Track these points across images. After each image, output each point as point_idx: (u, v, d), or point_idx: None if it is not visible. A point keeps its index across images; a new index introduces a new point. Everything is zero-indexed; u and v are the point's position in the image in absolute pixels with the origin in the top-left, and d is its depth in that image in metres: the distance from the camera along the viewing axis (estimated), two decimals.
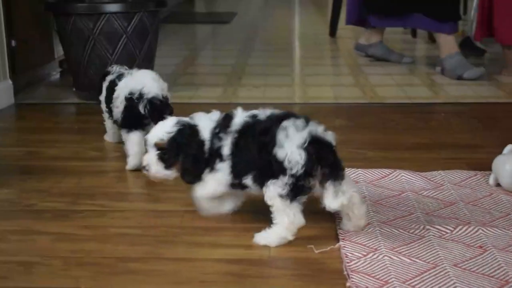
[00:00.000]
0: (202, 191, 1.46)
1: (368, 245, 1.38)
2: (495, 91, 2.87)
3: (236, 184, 1.43)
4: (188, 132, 1.44)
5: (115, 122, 2.01)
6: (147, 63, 2.76)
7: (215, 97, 2.79)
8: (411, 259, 1.32)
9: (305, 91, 2.95)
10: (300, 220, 1.38)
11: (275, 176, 1.35)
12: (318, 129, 1.39)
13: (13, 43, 2.75)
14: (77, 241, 1.46)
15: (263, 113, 1.47)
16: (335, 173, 1.36)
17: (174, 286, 1.27)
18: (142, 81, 1.92)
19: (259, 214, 1.58)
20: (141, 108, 1.87)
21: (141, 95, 1.88)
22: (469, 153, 2.01)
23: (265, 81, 3.12)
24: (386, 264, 1.30)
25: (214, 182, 1.44)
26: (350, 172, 1.79)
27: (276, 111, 1.46)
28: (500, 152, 1.75)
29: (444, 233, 1.44)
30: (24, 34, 2.85)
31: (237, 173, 1.41)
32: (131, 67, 2.59)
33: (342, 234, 1.44)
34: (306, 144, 1.34)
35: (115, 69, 2.08)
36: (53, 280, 1.29)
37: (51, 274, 1.31)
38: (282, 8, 6.67)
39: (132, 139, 1.88)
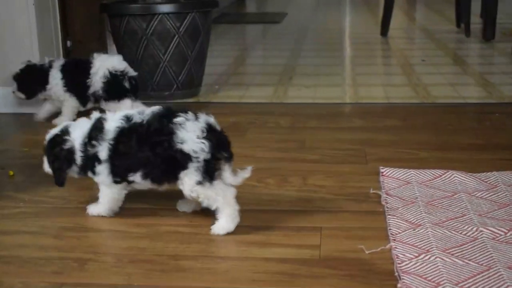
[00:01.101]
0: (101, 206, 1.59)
1: (420, 246, 1.37)
2: None
3: (119, 181, 1.53)
4: (57, 141, 1.55)
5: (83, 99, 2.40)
6: (199, 62, 2.78)
7: (265, 97, 2.80)
8: (463, 261, 1.30)
9: (356, 91, 2.93)
10: (230, 190, 1.49)
11: (184, 167, 1.45)
12: (209, 118, 1.51)
13: (69, 43, 2.80)
14: (129, 239, 1.48)
15: (138, 114, 1.52)
16: (230, 155, 1.49)
17: (225, 284, 1.28)
18: (122, 62, 2.38)
19: (309, 214, 1.59)
20: (125, 83, 2.35)
21: (124, 73, 2.35)
22: None
23: (316, 81, 3.11)
24: (438, 266, 1.28)
25: (105, 189, 1.56)
26: (402, 173, 1.77)
27: (155, 109, 1.53)
28: None
29: (498, 235, 1.41)
30: (79, 35, 2.91)
31: (120, 172, 1.52)
32: (183, 67, 2.67)
33: (393, 235, 1.43)
34: (206, 133, 1.46)
35: (45, 60, 2.44)
36: (106, 276, 1.31)
37: (104, 270, 1.34)
38: (333, 8, 6.64)
39: (125, 104, 2.31)
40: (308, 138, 2.19)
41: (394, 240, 1.40)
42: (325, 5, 6.97)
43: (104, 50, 3.20)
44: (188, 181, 1.47)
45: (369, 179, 1.78)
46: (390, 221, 1.49)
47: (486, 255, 1.33)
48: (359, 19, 5.84)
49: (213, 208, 1.49)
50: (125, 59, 2.77)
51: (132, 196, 1.70)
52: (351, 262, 1.34)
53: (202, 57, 2.81)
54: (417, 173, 1.77)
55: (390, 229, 1.46)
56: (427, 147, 2.07)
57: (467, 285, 1.22)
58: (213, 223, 1.52)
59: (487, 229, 1.43)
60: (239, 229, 1.50)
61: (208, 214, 1.60)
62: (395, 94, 2.83)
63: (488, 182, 1.71)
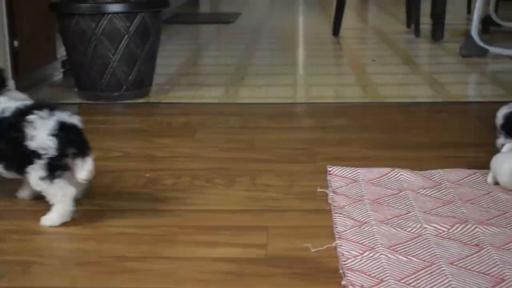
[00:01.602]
0: None
1: (365, 243, 1.39)
2: (496, 90, 2.87)
3: None
4: None
5: None
6: (149, 63, 2.77)
7: (216, 97, 2.80)
8: (407, 258, 1.32)
9: (307, 91, 2.95)
10: (70, 190, 1.54)
11: (31, 162, 1.52)
12: (64, 115, 1.55)
13: (16, 43, 2.76)
14: (76, 241, 1.47)
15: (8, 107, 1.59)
16: (82, 151, 1.54)
17: (172, 285, 1.28)
18: None
19: (256, 213, 1.59)
20: None
21: None
22: (469, 152, 2.01)
23: (268, 81, 3.12)
24: (382, 263, 1.30)
25: None
26: (349, 171, 1.79)
27: (19, 105, 1.59)
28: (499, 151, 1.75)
29: (441, 231, 1.44)
30: (27, 34, 2.86)
31: None
32: (133, 67, 2.63)
33: (339, 233, 1.44)
34: (55, 131, 1.51)
35: None
36: (50, 279, 1.30)
37: (48, 273, 1.32)
38: (287, 9, 6.68)
39: None
40: (258, 138, 2.20)
41: (340, 238, 1.42)
42: (279, 5, 7.00)
43: (52, 50, 3.16)
44: (33, 176, 1.53)
45: (317, 178, 1.79)
46: (336, 219, 1.51)
47: (429, 251, 1.35)
48: (312, 19, 5.88)
49: (51, 203, 1.54)
50: (73, 59, 2.76)
51: (79, 198, 1.69)
52: (297, 260, 1.35)
53: (152, 57, 2.80)
54: (364, 172, 1.80)
55: (336, 227, 1.47)
56: (375, 145, 2.10)
57: (409, 281, 1.24)
58: (161, 224, 1.52)
59: (431, 225, 1.46)
60: (187, 230, 1.50)
61: (157, 215, 1.59)
62: (345, 94, 2.86)
63: (433, 179, 1.75)
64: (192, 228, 1.51)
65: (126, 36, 2.65)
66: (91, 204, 1.65)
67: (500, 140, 1.83)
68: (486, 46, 3.57)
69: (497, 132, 1.84)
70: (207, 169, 1.90)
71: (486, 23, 4.40)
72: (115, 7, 2.63)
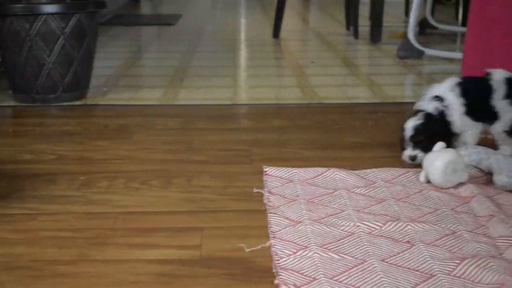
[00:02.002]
0: None
1: (298, 242, 1.40)
2: None
3: None
4: None
5: None
6: (85, 64, 2.73)
7: (155, 99, 2.78)
8: (340, 255, 1.34)
9: (247, 92, 2.96)
10: None
11: None
12: None
13: None
14: (5, 245, 1.43)
15: None
16: None
17: None
18: None
19: (192, 214, 1.59)
20: None
21: None
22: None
23: (208, 82, 3.12)
24: (315, 261, 1.32)
25: None
26: (285, 172, 1.81)
27: None
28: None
29: (373, 229, 1.46)
30: None
31: None
32: (69, 69, 2.59)
33: (273, 232, 1.45)
34: None
35: None
36: None
37: None
38: (228, 11, 6.68)
39: None
40: (196, 140, 2.20)
41: (274, 237, 1.43)
42: (221, 7, 7.00)
43: None
44: None
45: (253, 179, 1.80)
46: (271, 219, 1.52)
47: (362, 249, 1.37)
48: (254, 21, 5.90)
49: None
50: (7, 61, 2.70)
51: (10, 201, 1.66)
52: (231, 260, 1.36)
53: (89, 58, 2.77)
54: (300, 172, 1.81)
55: (270, 227, 1.48)
56: (312, 146, 2.12)
57: (341, 278, 1.25)
58: (94, 226, 1.50)
59: (364, 224, 1.48)
60: (120, 232, 1.49)
61: (91, 218, 1.58)
62: (284, 95, 2.88)
63: (367, 178, 1.77)
64: (125, 230, 1.50)
65: (62, 37, 2.61)
66: (22, 207, 1.62)
67: (408, 151, 1.87)
68: (422, 48, 3.64)
69: (405, 144, 1.89)
70: (143, 171, 1.89)
71: (423, 25, 4.49)
72: (50, 8, 2.59)
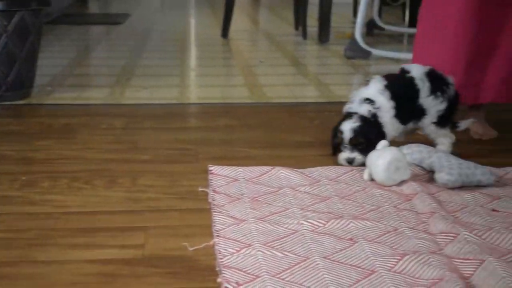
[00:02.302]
0: None
1: (242, 241, 1.40)
2: None
3: None
4: None
5: None
6: (29, 63, 2.69)
7: (101, 98, 2.75)
8: (283, 253, 1.35)
9: (194, 92, 2.96)
10: None
11: None
12: None
13: None
14: None
15: None
16: None
17: None
18: None
19: (136, 214, 1.58)
20: None
21: None
22: None
23: (155, 82, 3.10)
24: (258, 259, 1.32)
25: None
26: (230, 170, 1.81)
27: None
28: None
29: (317, 227, 1.47)
30: None
31: None
32: (12, 68, 2.54)
33: (217, 231, 1.45)
34: None
35: None
36: None
37: None
38: (177, 11, 6.65)
39: None
40: (141, 139, 2.18)
41: (218, 236, 1.43)
42: (170, 7, 6.96)
43: None
44: None
45: (199, 178, 1.80)
46: (216, 217, 1.52)
47: (305, 247, 1.38)
48: (203, 21, 5.89)
49: None
50: None
51: None
52: (175, 259, 1.35)
53: (33, 57, 2.72)
54: (245, 170, 1.81)
55: (214, 226, 1.48)
56: (258, 145, 2.13)
57: (284, 276, 1.26)
58: (36, 227, 1.48)
59: (307, 221, 1.49)
60: (62, 232, 1.47)
61: (32, 218, 1.55)
62: (232, 95, 2.88)
63: (312, 177, 1.79)
64: (68, 230, 1.48)
65: (4, 35, 2.56)
66: None
67: (345, 154, 1.88)
68: (369, 49, 3.68)
69: (341, 146, 1.89)
70: (87, 170, 1.87)
71: (370, 26, 4.55)
72: None
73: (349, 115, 1.90)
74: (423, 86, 1.93)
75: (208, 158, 1.97)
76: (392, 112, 1.89)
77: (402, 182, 1.74)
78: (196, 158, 1.99)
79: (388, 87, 1.91)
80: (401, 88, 1.93)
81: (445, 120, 1.97)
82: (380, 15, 4.68)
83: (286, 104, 2.70)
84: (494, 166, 1.86)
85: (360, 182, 1.76)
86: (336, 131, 1.90)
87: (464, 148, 2.08)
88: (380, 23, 4.55)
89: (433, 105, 1.94)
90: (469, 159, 1.80)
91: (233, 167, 1.83)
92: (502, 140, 2.21)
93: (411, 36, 4.45)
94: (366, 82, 1.96)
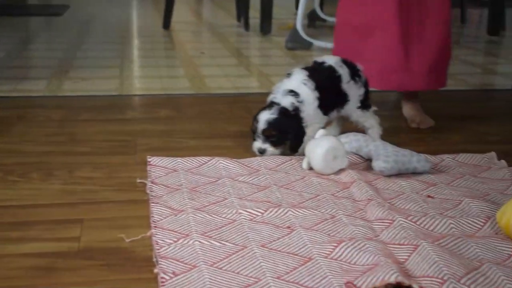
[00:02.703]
0: None
1: (179, 231, 1.39)
2: None
3: None
4: None
5: None
6: None
7: (38, 90, 2.70)
8: (220, 243, 1.35)
9: (134, 83, 2.92)
10: None
11: None
12: None
13: None
14: None
15: None
16: None
17: None
18: None
19: (72, 206, 1.56)
20: None
21: None
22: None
23: (94, 73, 3.06)
24: (195, 249, 1.32)
25: None
26: (169, 161, 1.79)
27: None
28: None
29: (255, 216, 1.47)
30: None
31: None
32: None
33: (155, 222, 1.44)
34: None
35: None
36: None
37: None
38: (118, 2, 6.57)
39: None
40: (79, 131, 2.15)
41: (155, 227, 1.42)
42: None
43: None
44: None
45: (137, 169, 1.78)
46: (153, 208, 1.51)
47: (243, 235, 1.38)
48: (144, 12, 5.83)
49: None
50: None
51: None
52: (110, 251, 1.34)
53: None
54: (184, 161, 1.80)
55: (152, 217, 1.47)
56: (198, 136, 2.12)
57: (221, 265, 1.26)
58: None
59: (246, 211, 1.49)
60: None
61: None
62: (172, 86, 2.86)
63: (251, 166, 1.79)
64: (1, 224, 1.45)
65: None
66: None
67: (258, 143, 1.87)
68: (310, 39, 3.71)
69: (255, 135, 1.88)
70: (22, 163, 1.83)
71: (312, 18, 4.57)
72: None
73: (270, 105, 1.89)
74: (344, 72, 1.94)
75: (148, 150, 1.95)
76: (316, 103, 1.89)
77: (340, 171, 1.76)
78: (135, 149, 1.97)
79: (310, 76, 1.91)
80: (323, 76, 1.93)
81: (366, 103, 2.00)
82: (322, 7, 4.71)
83: (226, 95, 2.70)
84: (430, 154, 1.90)
85: (299, 171, 1.78)
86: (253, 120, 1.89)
87: (401, 137, 2.11)
88: (322, 14, 4.58)
89: (354, 90, 1.96)
90: (406, 147, 1.83)
91: (172, 158, 1.82)
92: (438, 129, 2.25)
93: None
94: (287, 75, 1.95)
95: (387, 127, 2.08)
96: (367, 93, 2.01)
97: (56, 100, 2.58)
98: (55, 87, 2.77)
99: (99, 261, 1.30)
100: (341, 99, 1.96)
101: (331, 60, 1.97)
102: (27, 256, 1.32)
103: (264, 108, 1.89)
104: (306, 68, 1.95)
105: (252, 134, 1.90)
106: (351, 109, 1.98)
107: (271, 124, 1.84)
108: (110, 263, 1.29)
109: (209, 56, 3.58)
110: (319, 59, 1.99)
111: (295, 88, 1.89)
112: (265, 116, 1.85)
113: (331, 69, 1.94)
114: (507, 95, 2.86)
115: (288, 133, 1.85)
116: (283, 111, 1.86)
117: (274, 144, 1.86)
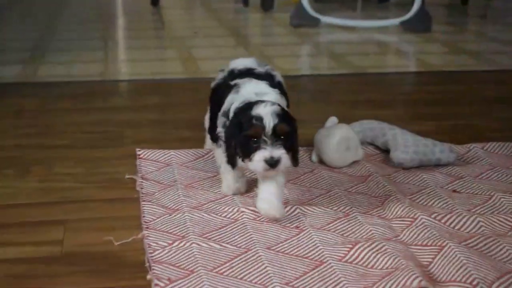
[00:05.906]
0: None
1: (174, 232, 1.40)
2: (328, 62, 2.99)
3: None
4: None
5: None
6: None
7: (11, 76, 2.70)
8: (221, 245, 1.36)
9: (120, 67, 2.93)
10: None
11: None
12: None
13: None
14: None
15: None
16: None
17: None
18: None
19: (52, 206, 1.57)
20: None
21: None
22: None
23: (74, 57, 3.06)
24: (193, 252, 1.33)
25: None
26: (161, 154, 1.80)
27: None
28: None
29: (259, 214, 1.48)
30: None
31: None
32: None
33: (146, 222, 1.45)
34: None
35: None
36: None
37: None
38: None
39: None
40: (58, 122, 2.16)
41: (148, 228, 1.43)
42: None
43: None
44: None
45: (125, 164, 1.79)
46: (145, 207, 1.52)
47: (245, 237, 1.39)
48: None
49: None
50: None
51: None
52: (98, 255, 1.35)
53: None
54: (178, 154, 1.81)
55: (144, 217, 1.48)
56: (191, 125, 2.12)
57: (223, 270, 1.27)
58: None
59: (248, 209, 1.50)
60: None
61: None
62: (163, 70, 2.87)
63: None
64: None
65: None
66: None
67: (266, 152, 1.40)
68: (317, 16, 3.71)
69: (258, 142, 1.41)
70: None
71: None
72: None
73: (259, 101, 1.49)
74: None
75: (136, 142, 1.96)
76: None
77: (354, 163, 1.76)
78: (121, 141, 1.98)
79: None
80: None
81: None
82: None
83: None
84: (455, 144, 1.90)
85: (308, 164, 1.78)
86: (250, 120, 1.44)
87: (421, 125, 2.11)
88: None
89: None
90: (427, 136, 1.84)
91: (165, 150, 1.83)
92: (464, 114, 2.26)
93: (365, 1, 4.51)
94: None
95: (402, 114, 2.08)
96: None
97: (31, 87, 2.59)
98: (30, 72, 2.78)
99: (85, 266, 1.31)
100: None
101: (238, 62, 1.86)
102: (3, 262, 1.33)
103: (255, 104, 1.46)
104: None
105: (251, 143, 1.43)
106: None
107: (281, 117, 1.43)
108: (98, 268, 1.30)
109: (203, 35, 3.58)
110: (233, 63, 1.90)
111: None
112: (268, 109, 1.43)
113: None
114: None
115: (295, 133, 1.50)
116: (280, 106, 1.48)
117: (287, 147, 1.44)
